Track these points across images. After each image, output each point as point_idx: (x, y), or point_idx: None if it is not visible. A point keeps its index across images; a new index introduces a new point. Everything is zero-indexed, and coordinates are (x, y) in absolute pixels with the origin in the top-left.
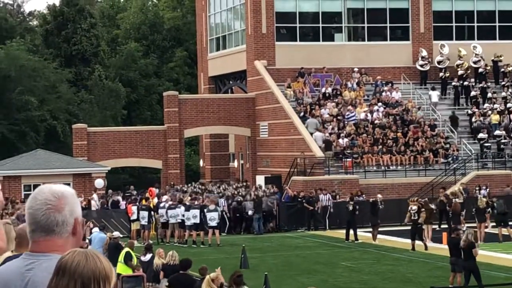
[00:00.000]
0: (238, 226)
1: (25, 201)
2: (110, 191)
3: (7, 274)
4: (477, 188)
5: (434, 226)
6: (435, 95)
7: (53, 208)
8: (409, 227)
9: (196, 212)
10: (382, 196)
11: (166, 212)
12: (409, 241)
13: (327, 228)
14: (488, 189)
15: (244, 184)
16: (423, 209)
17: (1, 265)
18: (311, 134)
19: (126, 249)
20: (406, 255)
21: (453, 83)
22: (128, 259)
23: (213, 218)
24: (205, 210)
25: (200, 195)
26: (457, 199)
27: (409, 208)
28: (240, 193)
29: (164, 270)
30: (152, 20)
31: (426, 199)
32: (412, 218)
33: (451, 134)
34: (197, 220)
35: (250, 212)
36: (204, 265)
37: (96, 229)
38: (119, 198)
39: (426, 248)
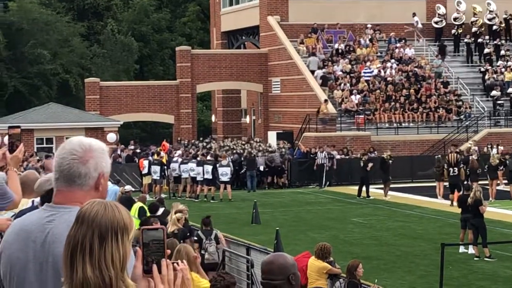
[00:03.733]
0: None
1: (37, 154)
2: (122, 146)
3: (28, 225)
4: (489, 146)
5: (445, 183)
6: (416, 20)
7: (78, 159)
8: (419, 184)
9: (209, 167)
10: (390, 152)
11: (179, 167)
12: (420, 197)
13: (324, 186)
14: (502, 147)
15: (247, 141)
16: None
17: (18, 215)
18: (312, 72)
19: (140, 204)
20: (417, 212)
21: (465, 40)
22: (142, 214)
23: (225, 173)
24: (217, 165)
25: (212, 151)
26: (473, 156)
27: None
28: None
29: None
30: None
31: (439, 156)
32: (451, 174)
33: (464, 91)
34: (209, 176)
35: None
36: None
37: (108, 182)
38: (136, 151)
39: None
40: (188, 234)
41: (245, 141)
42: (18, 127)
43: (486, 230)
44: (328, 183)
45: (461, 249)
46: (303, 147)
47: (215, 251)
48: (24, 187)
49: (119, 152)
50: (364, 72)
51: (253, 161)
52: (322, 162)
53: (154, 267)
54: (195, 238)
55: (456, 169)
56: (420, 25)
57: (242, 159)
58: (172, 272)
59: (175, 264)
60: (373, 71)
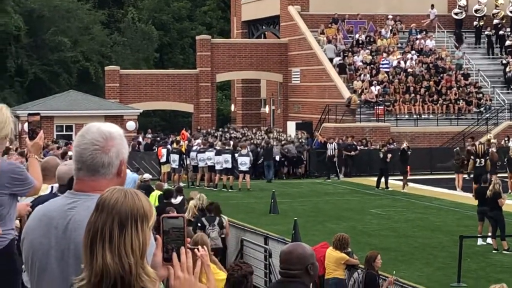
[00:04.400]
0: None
1: (57, 141)
2: (142, 134)
3: (51, 211)
4: (505, 139)
5: (464, 176)
6: (434, 13)
7: (100, 149)
8: (438, 176)
9: (228, 156)
10: (407, 144)
11: (196, 156)
12: (439, 189)
13: (340, 177)
14: None
15: (266, 131)
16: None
17: (36, 200)
18: (331, 60)
19: (158, 192)
20: (435, 204)
21: (486, 32)
22: (162, 202)
23: (244, 162)
24: (237, 154)
25: (231, 140)
26: (493, 149)
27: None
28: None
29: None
30: None
31: (458, 148)
32: (477, 165)
33: (485, 83)
34: (229, 165)
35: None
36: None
37: (127, 170)
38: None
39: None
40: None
41: (265, 131)
42: (38, 114)
43: (505, 223)
44: (335, 174)
45: (479, 241)
46: (320, 138)
47: (217, 236)
48: (45, 173)
49: (140, 139)
50: (382, 64)
51: (270, 151)
52: (332, 153)
53: (174, 255)
54: (199, 224)
55: (482, 160)
56: (436, 18)
57: (259, 149)
58: (191, 260)
59: (195, 250)
60: (390, 62)
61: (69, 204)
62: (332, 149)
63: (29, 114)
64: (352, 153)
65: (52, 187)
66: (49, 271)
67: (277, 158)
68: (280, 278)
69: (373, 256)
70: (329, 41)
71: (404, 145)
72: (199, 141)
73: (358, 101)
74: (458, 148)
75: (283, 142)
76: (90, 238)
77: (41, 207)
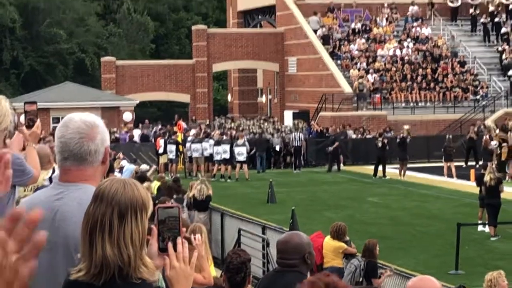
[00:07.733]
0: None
1: (53, 133)
2: (150, 124)
3: (37, 204)
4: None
5: (455, 163)
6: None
7: (86, 137)
8: (435, 164)
9: (226, 147)
10: (409, 127)
11: (190, 146)
12: (436, 177)
13: (299, 168)
14: None
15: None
16: (504, 144)
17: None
18: (315, 31)
19: (157, 183)
20: (433, 192)
21: (482, 20)
22: (162, 194)
23: (240, 152)
24: (234, 144)
25: (228, 130)
26: (487, 136)
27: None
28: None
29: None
30: None
31: (450, 135)
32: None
33: (481, 71)
34: (227, 155)
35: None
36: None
37: (124, 162)
38: (149, 132)
39: None
40: None
41: (263, 119)
42: (35, 103)
43: (499, 211)
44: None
45: (480, 227)
46: (316, 127)
47: (187, 217)
48: (40, 159)
49: (152, 131)
50: (378, 54)
51: (262, 142)
52: (297, 144)
53: (170, 245)
54: None
55: None
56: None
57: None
58: (187, 250)
59: (192, 238)
60: (386, 51)
61: (56, 195)
62: (296, 139)
63: (26, 103)
64: (329, 148)
65: (50, 177)
66: (37, 263)
67: (277, 148)
68: (277, 268)
69: (373, 244)
70: (314, 13)
71: (405, 132)
72: (194, 131)
73: (358, 86)
74: (450, 135)
75: (282, 134)
76: (89, 229)
77: (28, 199)
